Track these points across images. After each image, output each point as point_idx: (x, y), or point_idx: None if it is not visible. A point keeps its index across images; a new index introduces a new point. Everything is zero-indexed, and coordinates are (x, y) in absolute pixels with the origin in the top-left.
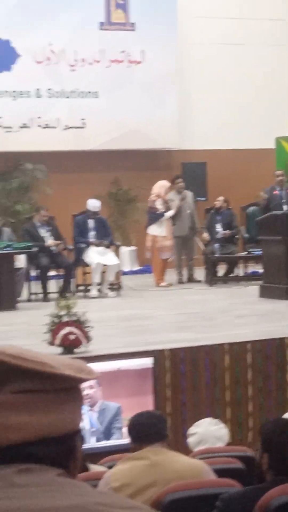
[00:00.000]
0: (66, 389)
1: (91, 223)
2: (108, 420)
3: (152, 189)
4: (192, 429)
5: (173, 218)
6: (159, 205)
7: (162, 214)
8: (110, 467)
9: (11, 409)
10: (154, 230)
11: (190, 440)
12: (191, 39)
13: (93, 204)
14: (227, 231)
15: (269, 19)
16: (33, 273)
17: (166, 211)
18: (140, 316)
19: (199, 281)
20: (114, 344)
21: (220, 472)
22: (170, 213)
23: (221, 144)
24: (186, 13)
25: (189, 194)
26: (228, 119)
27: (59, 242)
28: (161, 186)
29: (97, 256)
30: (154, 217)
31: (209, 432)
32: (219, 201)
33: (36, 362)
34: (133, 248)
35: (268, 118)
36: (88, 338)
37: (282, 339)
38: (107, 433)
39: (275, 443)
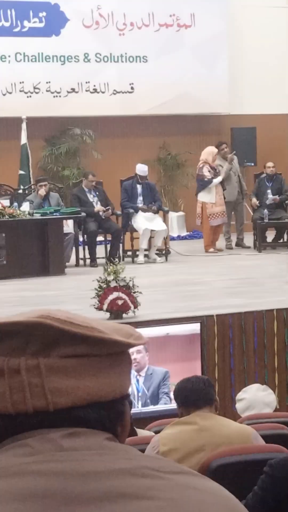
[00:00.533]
0: (114, 354)
1: (139, 188)
2: (155, 385)
3: (200, 156)
4: (240, 395)
5: (222, 183)
6: (206, 172)
7: (210, 181)
8: (157, 432)
9: (60, 373)
10: (203, 197)
11: (238, 406)
12: (242, 2)
13: (141, 168)
14: (277, 197)
15: None
16: (81, 238)
17: (214, 178)
18: (188, 282)
19: (248, 247)
20: (162, 310)
21: (268, 438)
22: (219, 179)
23: (271, 108)
24: None
25: (235, 159)
26: (278, 83)
27: (107, 208)
28: (208, 152)
29: (145, 221)
30: (202, 184)
31: (257, 397)
32: (269, 168)
33: (84, 327)
34: (181, 213)
35: None
36: (136, 304)
37: None
38: (154, 398)
39: None
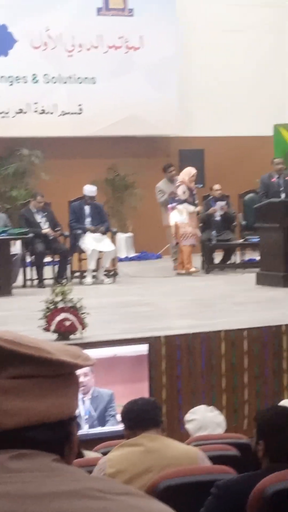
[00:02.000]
0: (62, 375)
1: (87, 209)
2: (101, 407)
3: (149, 177)
4: (189, 416)
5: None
6: (180, 192)
7: (178, 200)
8: (104, 454)
9: (7, 394)
10: (176, 217)
11: (190, 427)
12: (191, 25)
13: (89, 189)
14: (224, 203)
15: (268, 5)
16: (28, 259)
17: (187, 199)
18: (136, 303)
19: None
20: (110, 331)
21: (216, 459)
22: (192, 208)
23: (219, 131)
24: None
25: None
26: (227, 106)
27: (57, 229)
28: (185, 173)
29: (93, 242)
30: (171, 201)
31: (208, 418)
32: (216, 190)
33: (32, 348)
34: (129, 234)
35: (267, 105)
36: (83, 325)
37: (278, 326)
38: (101, 420)
39: (271, 430)
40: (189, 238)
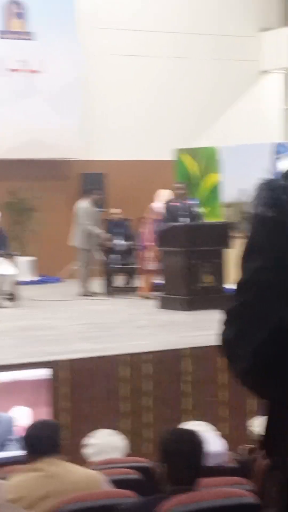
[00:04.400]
0: None
1: None
2: (0, 432)
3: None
4: (88, 440)
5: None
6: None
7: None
8: (3, 479)
9: None
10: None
11: (88, 451)
12: (94, 50)
13: None
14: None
15: (169, 31)
16: None
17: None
18: (38, 326)
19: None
20: (10, 355)
21: (118, 483)
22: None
23: (122, 155)
24: (87, 24)
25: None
26: (129, 131)
27: None
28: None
29: None
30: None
31: (106, 442)
32: (116, 214)
33: None
34: (30, 258)
35: (168, 130)
36: None
37: (180, 349)
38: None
39: (173, 453)
40: (150, 263)
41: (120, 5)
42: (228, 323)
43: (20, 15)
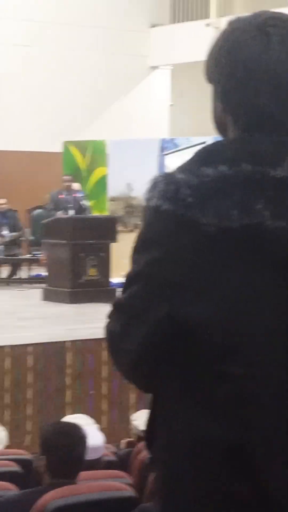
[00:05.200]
0: None
1: None
2: None
3: None
4: None
5: None
6: None
7: None
8: None
9: None
10: None
11: None
12: None
13: None
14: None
15: (58, 22)
16: None
17: None
18: None
19: None
20: None
21: None
22: None
23: (8, 145)
24: None
25: None
26: (16, 121)
27: None
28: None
29: None
30: None
31: None
32: (1, 204)
33: None
34: None
35: (56, 122)
36: None
37: (62, 342)
38: None
39: (53, 446)
40: None
41: None
42: (114, 316)
43: None
